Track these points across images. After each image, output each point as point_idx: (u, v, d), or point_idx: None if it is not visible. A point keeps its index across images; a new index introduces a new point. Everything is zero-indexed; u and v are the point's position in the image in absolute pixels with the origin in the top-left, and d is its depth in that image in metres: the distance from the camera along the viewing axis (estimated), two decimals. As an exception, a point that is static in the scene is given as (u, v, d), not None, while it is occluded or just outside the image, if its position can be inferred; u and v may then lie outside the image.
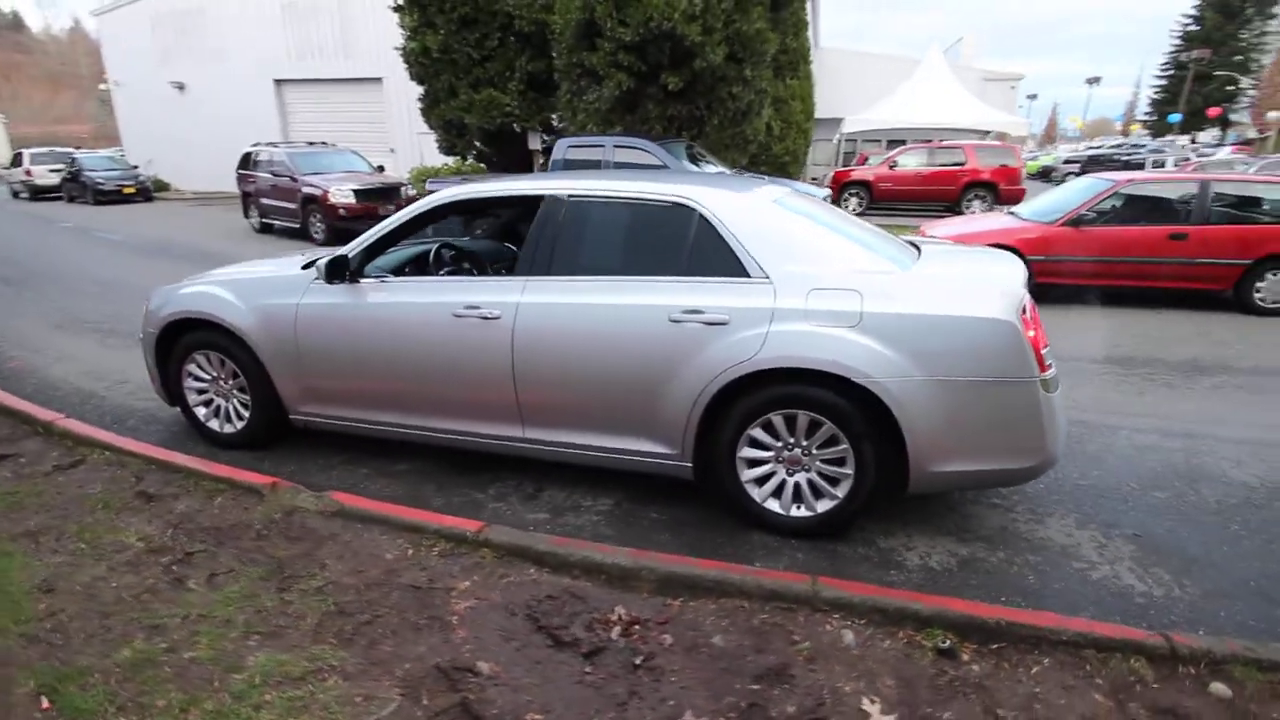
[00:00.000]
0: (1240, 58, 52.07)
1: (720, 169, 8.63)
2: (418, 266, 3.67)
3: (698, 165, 8.82)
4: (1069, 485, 3.26)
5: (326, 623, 2.22)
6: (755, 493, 2.81)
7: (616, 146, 8.32)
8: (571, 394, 2.91)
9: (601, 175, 3.33)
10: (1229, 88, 50.24)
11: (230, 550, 2.63)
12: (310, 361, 3.28)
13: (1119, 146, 37.15)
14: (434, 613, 2.28)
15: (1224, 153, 28.01)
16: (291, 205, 12.04)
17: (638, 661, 2.07)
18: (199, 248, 11.08)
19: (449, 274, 3.61)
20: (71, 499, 3.00)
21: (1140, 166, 24.70)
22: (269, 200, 12.67)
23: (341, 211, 11.27)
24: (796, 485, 2.77)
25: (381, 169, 13.46)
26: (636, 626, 2.22)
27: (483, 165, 13.63)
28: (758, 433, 2.74)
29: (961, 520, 2.97)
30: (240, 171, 13.55)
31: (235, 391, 3.58)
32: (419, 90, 12.88)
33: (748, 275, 2.68)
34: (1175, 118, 48.27)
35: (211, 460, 3.34)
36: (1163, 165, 24.66)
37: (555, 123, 12.11)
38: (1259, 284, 6.43)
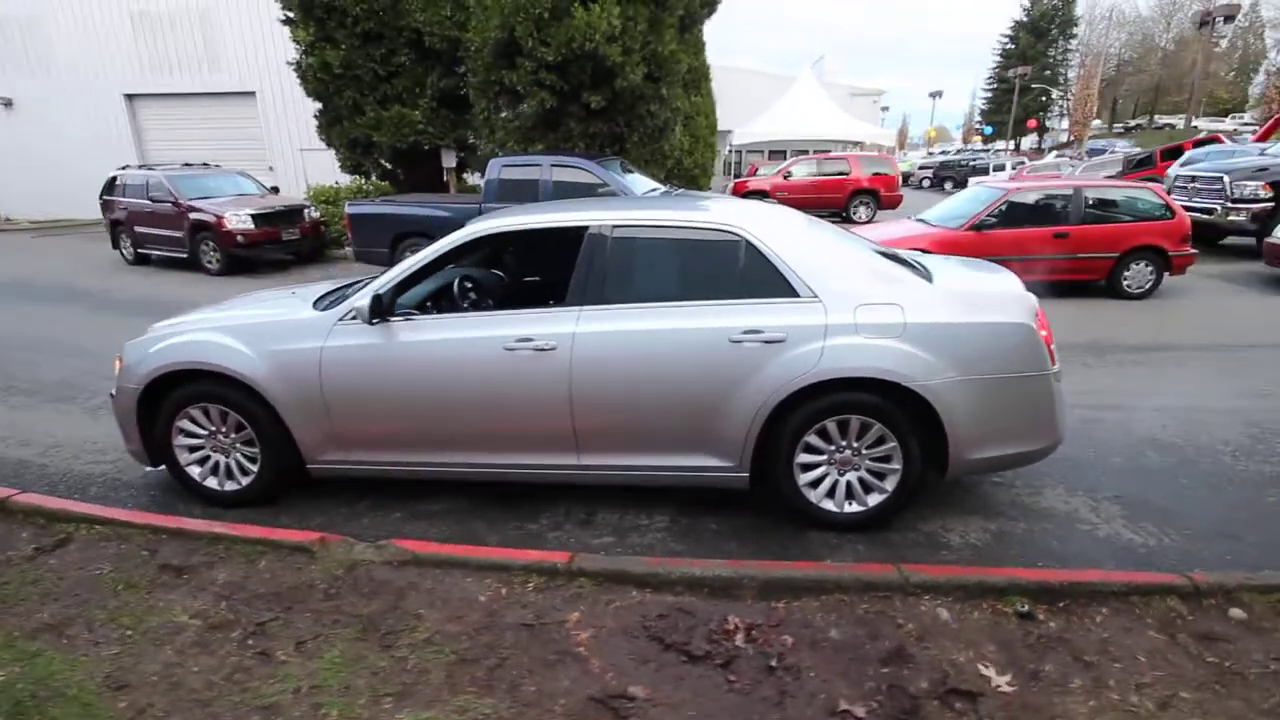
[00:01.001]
0: (1049, 72, 60.32)
1: (653, 185, 8.88)
2: (434, 301, 3.57)
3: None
4: (1046, 460, 3.76)
5: (456, 673, 2.17)
6: (811, 495, 3.03)
7: (554, 166, 8.34)
8: (631, 418, 2.99)
9: (639, 204, 3.43)
10: (1042, 99, 57.92)
11: (304, 615, 2.47)
12: (340, 408, 3.12)
13: (960, 153, 41.68)
14: (559, 647, 2.29)
15: (1050, 157, 32.25)
16: (176, 233, 10.94)
17: (773, 664, 2.21)
18: (70, 286, 9.81)
19: (472, 307, 3.55)
20: (80, 583, 2.68)
21: (985, 171, 27.94)
22: (145, 229, 11.42)
23: (239, 239, 10.42)
24: (848, 484, 3.02)
25: (276, 190, 12.55)
26: (754, 632, 2.36)
27: (386, 184, 13.07)
28: (812, 438, 2.96)
29: (978, 500, 3.35)
30: (105, 198, 12.10)
31: (239, 445, 3.31)
32: (302, 105, 12.15)
33: (797, 295, 2.90)
34: (989, 129, 54.97)
35: (221, 521, 3.08)
36: (1002, 168, 28.06)
37: (471, 141, 11.87)
38: (1125, 273, 7.63)
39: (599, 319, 2.96)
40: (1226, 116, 51.31)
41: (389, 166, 12.53)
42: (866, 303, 2.87)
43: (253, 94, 18.53)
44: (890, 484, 2.99)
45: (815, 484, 3.03)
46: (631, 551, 2.95)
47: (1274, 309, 7.50)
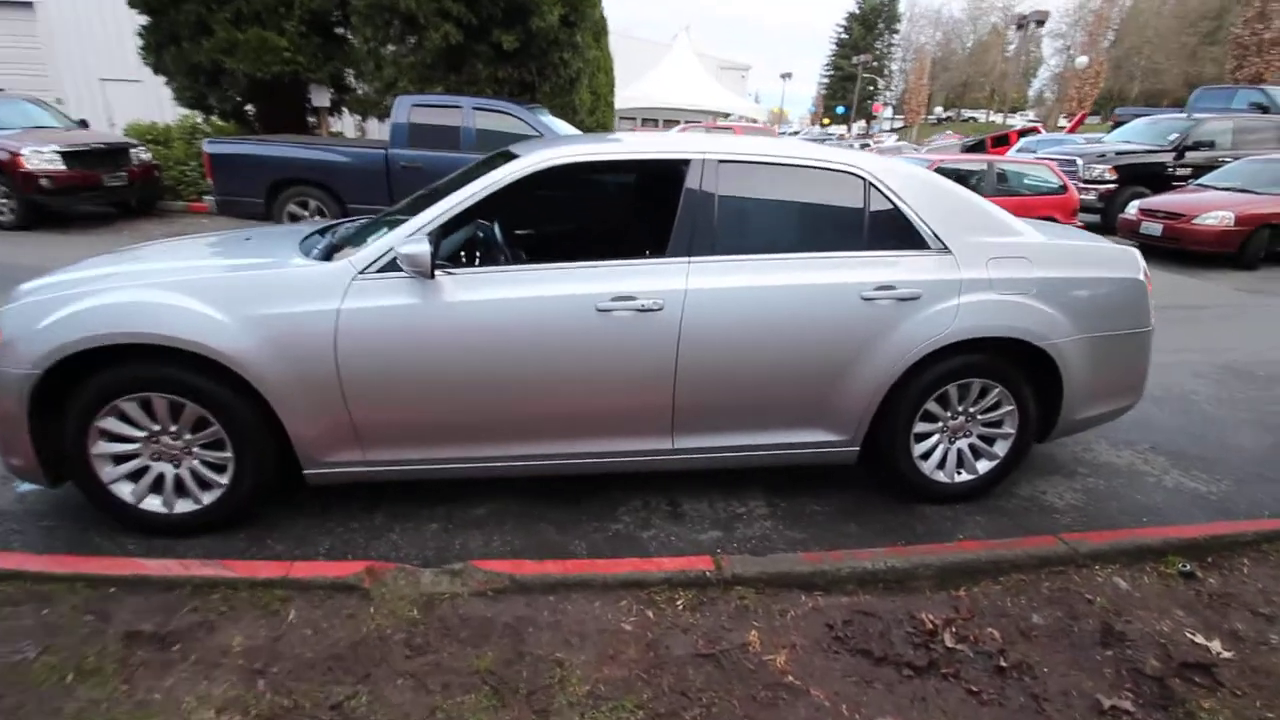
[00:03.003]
0: (876, 63, 66.06)
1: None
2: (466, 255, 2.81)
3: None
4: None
5: (660, 735, 1.64)
6: (923, 466, 2.79)
7: (476, 110, 7.32)
8: (741, 390, 2.53)
9: (737, 139, 2.90)
10: (870, 88, 63.38)
11: (395, 681, 1.77)
12: (364, 392, 2.33)
13: (798, 134, 44.35)
14: (763, 679, 1.83)
15: (891, 140, 35.27)
16: (-60, 174, 8.32)
17: (1001, 664, 1.93)
18: None
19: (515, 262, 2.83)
20: (5, 675, 1.73)
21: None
22: (-109, 166, 8.58)
23: (44, 182, 8.13)
24: (959, 452, 2.82)
25: (84, 124, 10.02)
26: (956, 628, 2.06)
27: (230, 125, 10.88)
28: (931, 405, 2.71)
29: (1046, 460, 3.32)
30: None
31: (199, 449, 2.39)
32: (100, 20, 9.73)
33: (926, 246, 2.60)
34: (842, 109, 59.36)
35: (199, 560, 2.21)
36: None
37: (350, 78, 10.24)
38: (1029, 242, 8.32)
39: (712, 272, 2.45)
40: (1015, 114, 59.63)
41: (241, 102, 10.48)
42: (997, 256, 2.64)
43: (30, 5, 14.70)
44: (1001, 449, 2.82)
45: (926, 455, 2.80)
46: (746, 545, 2.53)
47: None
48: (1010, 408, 2.75)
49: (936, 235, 2.60)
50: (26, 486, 2.67)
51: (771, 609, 2.09)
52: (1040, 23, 25.75)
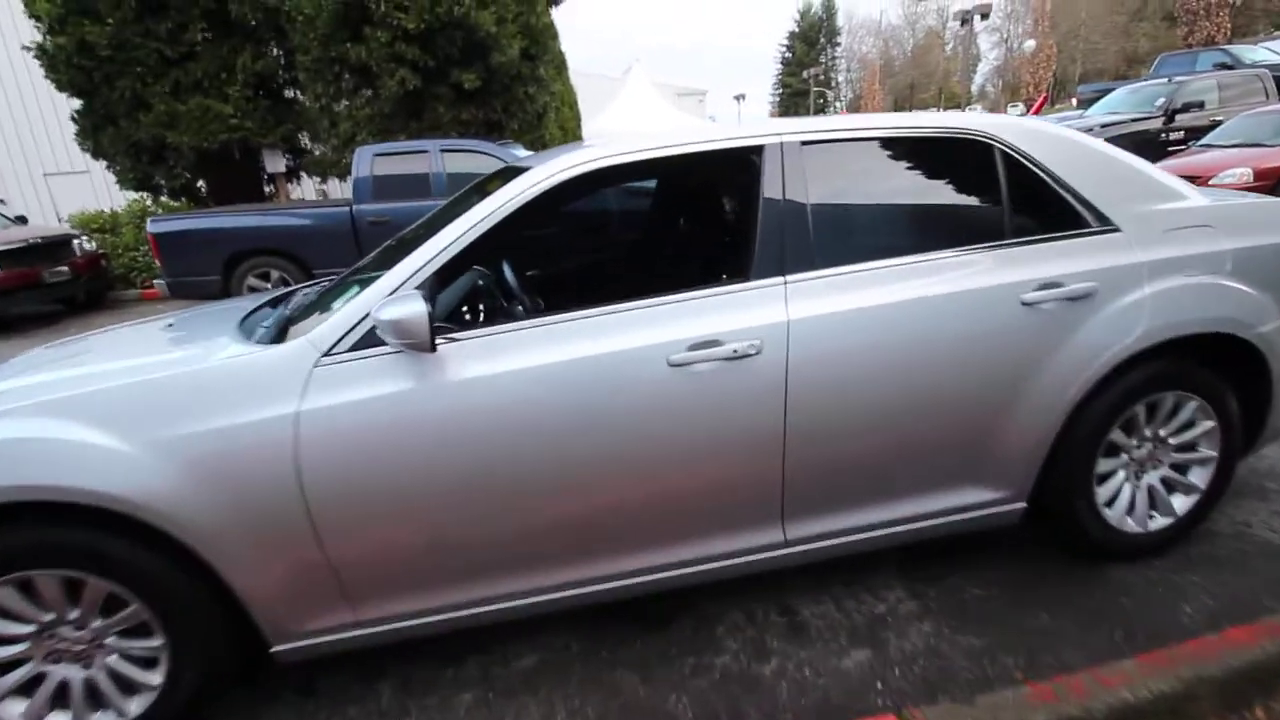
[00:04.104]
0: (822, 76, 67.53)
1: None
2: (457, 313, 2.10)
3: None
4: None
5: None
6: (1109, 514, 2.09)
7: (445, 152, 6.70)
8: (872, 450, 1.84)
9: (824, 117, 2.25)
10: (819, 100, 64.67)
11: None
12: (346, 522, 1.59)
13: None
14: None
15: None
16: None
17: None
18: None
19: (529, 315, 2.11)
20: None
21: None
22: None
23: (-26, 285, 7.38)
24: (1150, 489, 2.13)
25: (23, 220, 9.29)
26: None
27: (184, 203, 10.19)
28: (1116, 434, 2.02)
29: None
30: None
31: (116, 639, 1.63)
32: (42, 111, 9.09)
33: (1086, 225, 1.94)
34: (798, 124, 60.24)
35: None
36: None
37: (305, 140, 9.64)
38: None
39: (818, 293, 1.76)
40: (964, 109, 60.98)
41: (189, 177, 9.80)
42: (1174, 226, 1.99)
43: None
44: (1199, 478, 2.14)
45: (1110, 500, 2.10)
46: (914, 669, 1.79)
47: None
48: (1209, 424, 2.07)
49: (1096, 209, 1.95)
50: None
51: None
52: (984, 15, 26.08)
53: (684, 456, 1.73)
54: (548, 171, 1.74)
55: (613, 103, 26.84)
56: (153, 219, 6.95)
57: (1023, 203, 1.93)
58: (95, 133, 9.18)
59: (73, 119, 9.38)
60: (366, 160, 6.74)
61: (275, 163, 9.57)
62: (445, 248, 1.68)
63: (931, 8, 62.84)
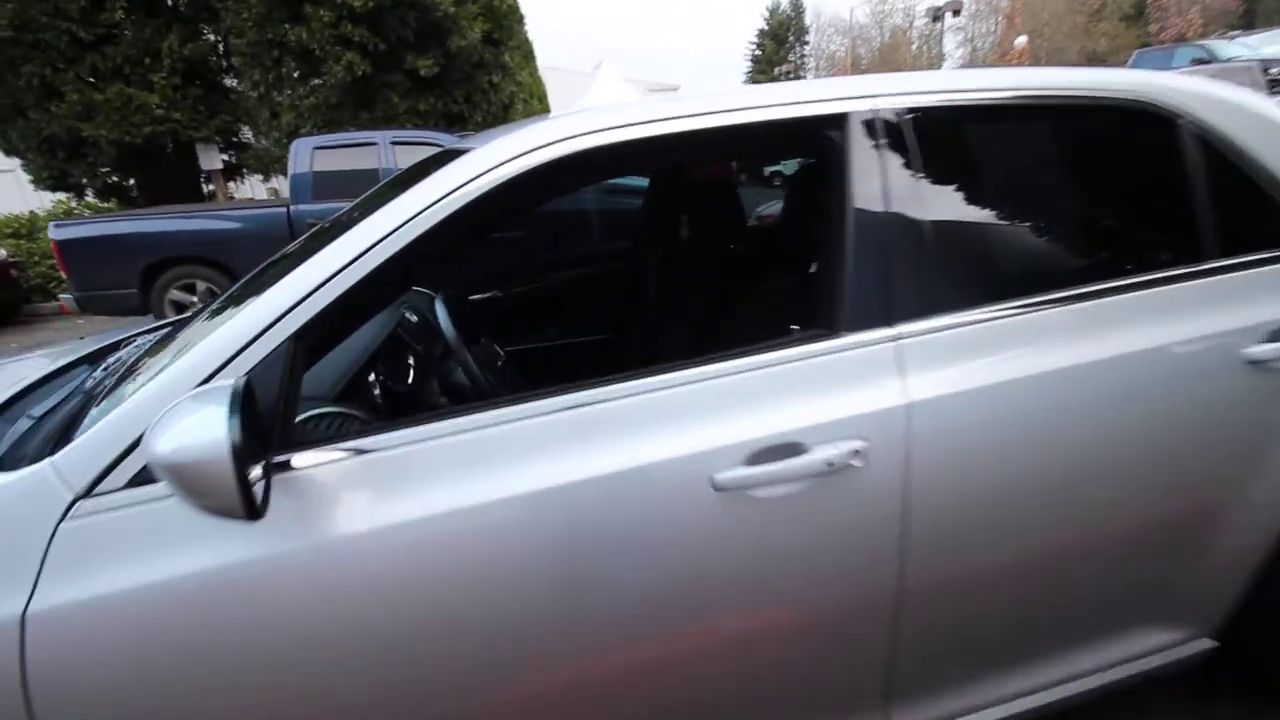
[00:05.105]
0: (792, 75, 67.71)
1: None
2: (362, 390, 1.38)
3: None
4: None
5: None
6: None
7: (396, 144, 5.93)
8: (1030, 597, 1.18)
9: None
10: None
11: None
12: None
13: None
14: None
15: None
16: None
17: None
18: None
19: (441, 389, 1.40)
20: None
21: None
22: None
23: None
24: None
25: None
26: None
27: (111, 203, 9.21)
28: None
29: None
30: None
31: None
32: None
33: (1304, 232, 1.32)
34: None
35: None
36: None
37: (240, 135, 8.72)
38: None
39: (946, 355, 1.09)
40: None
41: (113, 175, 8.82)
42: None
43: None
44: None
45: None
46: None
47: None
48: None
49: (1317, 209, 1.32)
50: None
51: None
52: (956, 12, 25.95)
53: (744, 634, 1.04)
54: (503, 154, 1.03)
55: (583, 98, 26.08)
56: (56, 223, 6.04)
57: (1225, 206, 1.29)
58: (2, 125, 8.14)
59: (-27, 112, 8.33)
60: (306, 154, 5.92)
61: (210, 159, 8.63)
62: (326, 281, 0.96)
63: (899, 6, 63.41)
